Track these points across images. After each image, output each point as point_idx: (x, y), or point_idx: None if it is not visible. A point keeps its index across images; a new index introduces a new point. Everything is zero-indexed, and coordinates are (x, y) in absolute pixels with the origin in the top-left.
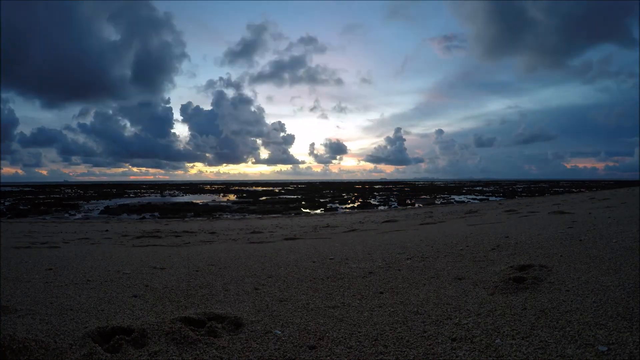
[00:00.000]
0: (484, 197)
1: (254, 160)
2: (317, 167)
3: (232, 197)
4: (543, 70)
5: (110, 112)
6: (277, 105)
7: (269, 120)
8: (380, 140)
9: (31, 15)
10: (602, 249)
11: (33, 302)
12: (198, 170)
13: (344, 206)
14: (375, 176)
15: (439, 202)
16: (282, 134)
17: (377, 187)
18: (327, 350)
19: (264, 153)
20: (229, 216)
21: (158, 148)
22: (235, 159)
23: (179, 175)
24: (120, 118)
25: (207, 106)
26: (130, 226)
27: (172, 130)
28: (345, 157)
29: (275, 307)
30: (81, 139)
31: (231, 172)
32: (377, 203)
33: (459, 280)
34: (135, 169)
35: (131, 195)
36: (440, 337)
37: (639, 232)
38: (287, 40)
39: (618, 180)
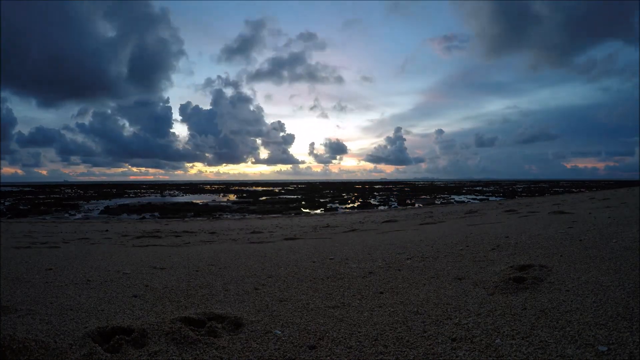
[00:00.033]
0: (484, 197)
1: (253, 160)
2: (317, 167)
3: (232, 197)
4: (547, 68)
5: (109, 111)
6: (276, 105)
7: (269, 120)
8: (381, 140)
9: (26, 13)
10: (602, 249)
11: (33, 302)
12: (198, 170)
13: (344, 206)
14: (376, 176)
15: (439, 202)
16: (281, 134)
17: (377, 187)
18: (327, 350)
19: (264, 153)
20: (229, 216)
21: (157, 148)
22: (235, 159)
23: (179, 175)
24: (119, 118)
25: (205, 105)
26: (130, 226)
27: (172, 130)
28: (345, 157)
29: (275, 307)
30: (80, 138)
31: (231, 172)
32: (377, 203)
33: (459, 280)
34: (135, 169)
35: (131, 195)
36: (440, 337)
37: (639, 232)
38: (285, 37)
39: (618, 180)
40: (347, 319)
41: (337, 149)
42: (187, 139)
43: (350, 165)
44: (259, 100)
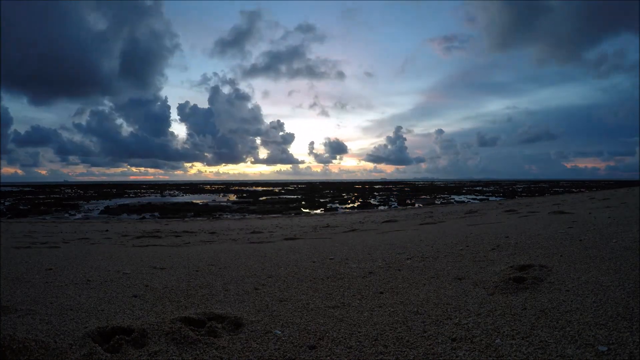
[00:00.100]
0: (484, 197)
1: (253, 160)
2: (317, 167)
3: (232, 197)
4: (553, 64)
5: (107, 110)
6: (275, 103)
7: (267, 120)
8: (381, 140)
9: (13, 7)
10: (602, 249)
11: (33, 302)
12: (197, 170)
13: (344, 206)
14: (376, 176)
15: (439, 202)
16: (281, 133)
17: (377, 187)
18: (327, 350)
19: (263, 153)
20: (229, 216)
21: (156, 147)
22: (234, 159)
23: (178, 175)
24: (116, 117)
25: (201, 103)
26: (130, 226)
27: (170, 130)
28: (345, 157)
29: (275, 307)
30: (77, 138)
31: (231, 172)
32: (377, 203)
33: (459, 280)
34: (134, 169)
35: (131, 195)
36: (440, 337)
37: (639, 232)
38: (283, 29)
39: (618, 180)
40: (347, 319)
41: (337, 148)
42: (185, 138)
43: (350, 165)
44: (257, 98)
